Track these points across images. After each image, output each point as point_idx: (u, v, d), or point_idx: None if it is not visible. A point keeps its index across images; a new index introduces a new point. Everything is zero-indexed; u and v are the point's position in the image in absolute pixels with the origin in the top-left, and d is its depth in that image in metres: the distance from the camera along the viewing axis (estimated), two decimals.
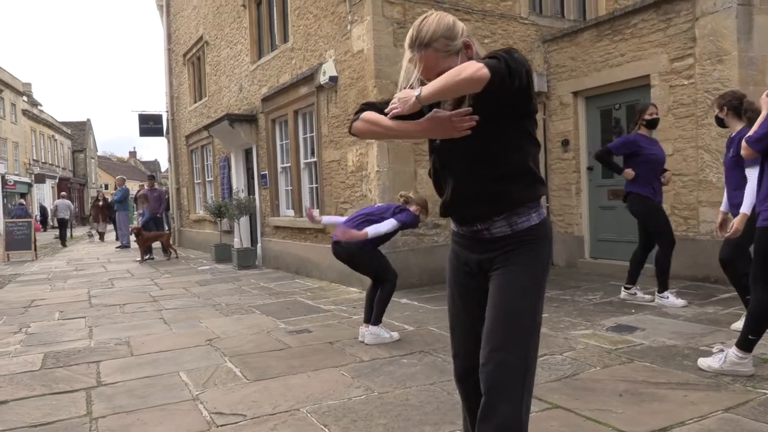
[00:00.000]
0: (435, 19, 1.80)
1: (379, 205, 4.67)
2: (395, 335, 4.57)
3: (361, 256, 4.52)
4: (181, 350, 4.54)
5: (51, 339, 5.14)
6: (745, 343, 3.31)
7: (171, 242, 13.16)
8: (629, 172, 5.31)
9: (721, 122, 4.42)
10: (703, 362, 3.49)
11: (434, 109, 1.75)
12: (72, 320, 6.01)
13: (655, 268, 5.39)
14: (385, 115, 1.79)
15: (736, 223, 3.99)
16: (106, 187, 52.17)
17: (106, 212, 20.26)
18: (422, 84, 1.79)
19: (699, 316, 4.87)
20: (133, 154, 76.84)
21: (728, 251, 4.19)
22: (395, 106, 1.69)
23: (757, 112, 3.64)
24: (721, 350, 3.48)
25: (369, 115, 1.88)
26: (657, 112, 5.43)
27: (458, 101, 1.81)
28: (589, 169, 7.85)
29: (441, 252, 6.78)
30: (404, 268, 6.36)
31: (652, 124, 5.40)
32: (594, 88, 7.65)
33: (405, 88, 1.79)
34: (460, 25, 1.83)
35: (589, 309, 5.39)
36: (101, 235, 20.65)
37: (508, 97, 1.70)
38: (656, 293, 5.41)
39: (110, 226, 20.74)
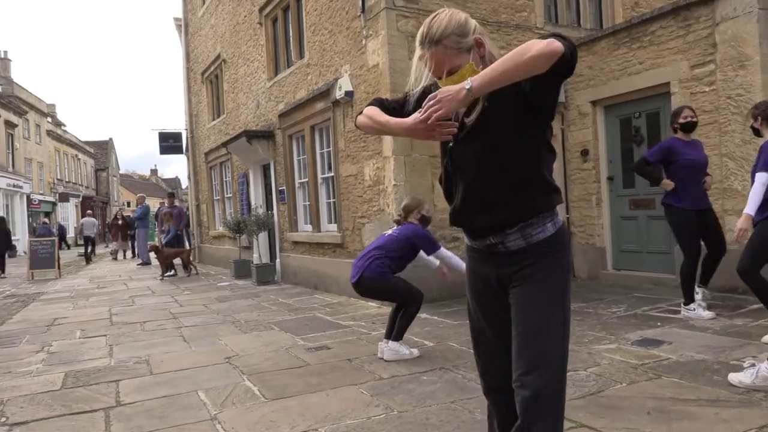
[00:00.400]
0: (446, 15, 1.76)
1: (385, 235, 4.62)
2: (415, 351, 4.50)
3: (386, 286, 4.49)
4: (199, 368, 4.52)
5: (72, 358, 5.16)
6: None
7: (191, 258, 13.25)
8: (667, 183, 5.13)
9: (757, 132, 4.32)
10: (734, 377, 3.36)
11: (421, 108, 1.72)
12: (93, 338, 6.04)
13: (680, 279, 5.26)
14: (404, 115, 1.79)
15: (740, 224, 4.13)
16: (128, 204, 52.96)
17: (126, 231, 20.31)
18: (433, 84, 1.78)
19: (728, 328, 4.72)
20: (154, 171, 78.08)
21: (745, 261, 4.12)
22: (436, 107, 1.59)
23: None
24: (753, 365, 3.35)
25: (369, 110, 1.89)
26: (693, 114, 5.22)
27: (474, 101, 1.74)
28: (610, 179, 7.73)
29: None
30: (423, 283, 6.27)
31: (687, 127, 5.17)
32: (613, 96, 7.55)
33: (416, 87, 1.78)
34: (473, 22, 1.78)
35: (613, 322, 5.26)
36: (122, 253, 20.83)
37: (548, 87, 1.65)
38: (682, 305, 5.27)
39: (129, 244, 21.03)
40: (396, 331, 4.43)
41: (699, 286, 5.27)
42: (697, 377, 3.54)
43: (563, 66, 1.57)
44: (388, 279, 4.46)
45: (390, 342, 4.44)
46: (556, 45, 1.53)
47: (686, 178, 5.07)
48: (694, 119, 5.21)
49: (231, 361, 4.69)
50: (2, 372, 4.77)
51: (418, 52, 1.78)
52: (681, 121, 5.15)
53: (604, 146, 7.80)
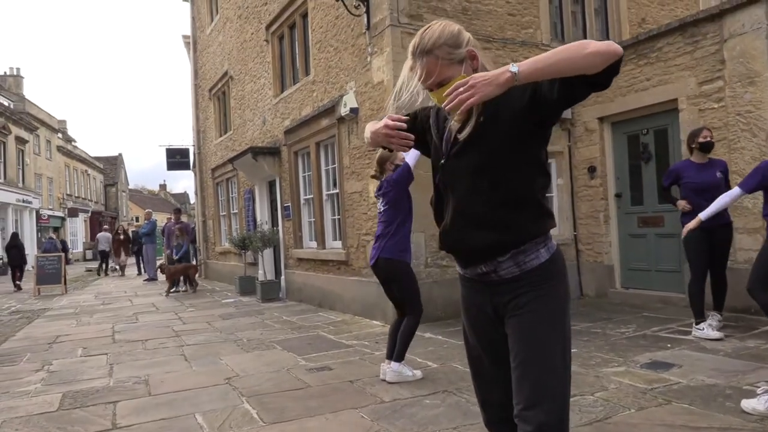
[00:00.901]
0: (439, 26, 1.73)
1: (380, 211, 4.51)
2: (418, 373, 4.40)
3: (403, 273, 4.37)
4: (199, 390, 4.44)
5: (71, 377, 5.10)
6: None
7: (198, 274, 13.23)
8: (681, 204, 5.23)
9: None
10: (747, 404, 3.25)
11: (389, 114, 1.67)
12: (94, 357, 5.98)
13: (688, 297, 5.21)
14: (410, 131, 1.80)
15: (691, 224, 4.69)
16: (137, 219, 53.18)
17: (128, 246, 19.77)
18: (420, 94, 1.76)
19: (740, 350, 4.59)
20: (163, 186, 78.53)
21: (752, 279, 4.08)
22: (467, 93, 1.51)
23: None
24: (766, 390, 3.24)
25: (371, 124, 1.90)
26: (711, 135, 5.25)
27: (468, 112, 1.70)
28: (618, 196, 7.63)
29: None
30: (428, 301, 6.19)
31: (705, 147, 5.20)
32: (620, 113, 7.49)
33: (399, 98, 1.74)
34: (467, 34, 1.75)
35: (621, 343, 5.14)
36: (122, 269, 20.08)
37: (577, 97, 1.59)
38: (694, 325, 5.18)
39: (131, 260, 20.49)
40: (397, 350, 4.33)
41: (712, 313, 5.24)
42: (709, 403, 3.43)
43: (614, 70, 1.51)
44: (408, 264, 4.38)
45: (392, 363, 4.34)
46: (616, 46, 1.48)
47: (693, 200, 5.12)
48: (712, 140, 5.25)
49: (231, 382, 4.61)
50: (1, 392, 4.72)
51: (408, 62, 1.75)
52: (701, 140, 5.18)
53: (612, 163, 7.72)
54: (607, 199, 7.71)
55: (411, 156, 4.30)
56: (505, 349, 1.75)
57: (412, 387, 4.17)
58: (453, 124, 1.80)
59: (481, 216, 1.70)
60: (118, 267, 20.61)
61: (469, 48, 1.72)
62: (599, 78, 1.51)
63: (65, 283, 14.52)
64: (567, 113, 7.93)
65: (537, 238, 1.71)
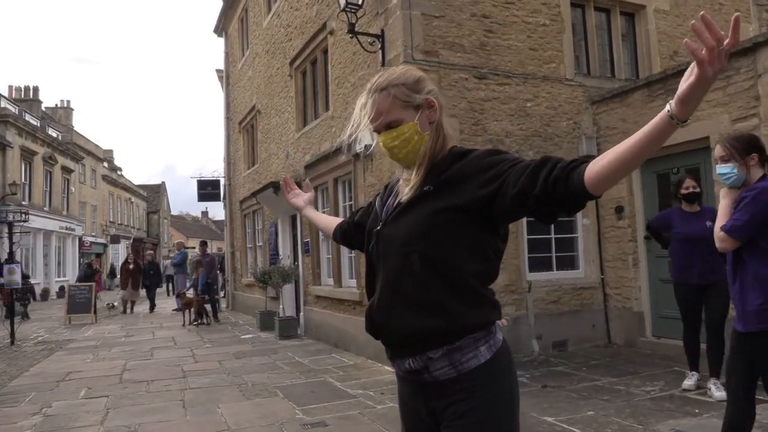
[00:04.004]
0: (401, 68, 1.64)
1: None
2: None
3: None
4: None
5: (63, 424, 4.96)
6: None
7: (218, 306, 13.23)
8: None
9: None
10: None
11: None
12: (94, 399, 5.85)
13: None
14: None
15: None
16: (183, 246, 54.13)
17: (138, 277, 16.53)
18: (396, 181, 1.66)
19: None
20: (205, 213, 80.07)
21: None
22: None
23: None
24: None
25: None
26: (695, 185, 4.97)
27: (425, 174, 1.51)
28: (647, 238, 7.17)
29: None
30: None
31: (688, 199, 4.96)
32: None
33: (353, 135, 1.59)
34: (431, 85, 1.61)
35: (644, 405, 4.70)
36: (131, 305, 16.56)
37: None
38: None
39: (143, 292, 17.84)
40: None
41: (711, 378, 4.88)
42: None
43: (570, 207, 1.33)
44: None
45: None
46: None
47: (679, 251, 4.97)
48: (695, 191, 4.97)
49: None
50: None
51: (362, 99, 1.59)
52: (683, 192, 4.99)
53: (641, 203, 7.29)
54: (636, 241, 7.26)
55: None
56: None
57: None
58: (401, 185, 1.60)
59: (411, 294, 1.46)
60: (117, 304, 17.04)
61: (429, 97, 1.56)
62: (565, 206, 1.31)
63: (95, 313, 14.69)
64: (592, 150, 7.57)
65: (475, 332, 1.44)
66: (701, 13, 1.14)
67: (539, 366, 6.52)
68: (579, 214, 7.73)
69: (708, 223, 4.74)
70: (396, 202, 1.58)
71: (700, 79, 1.14)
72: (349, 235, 1.94)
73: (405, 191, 1.54)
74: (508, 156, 1.44)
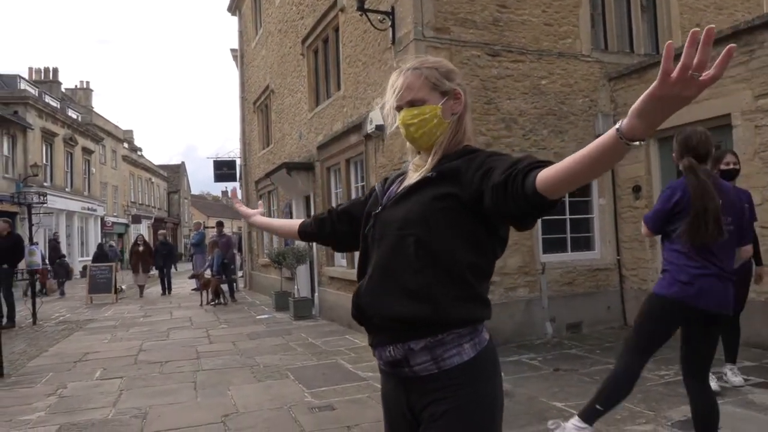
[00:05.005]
0: (436, 58, 1.65)
1: None
2: None
3: None
4: (190, 429, 4.26)
5: (77, 405, 5.04)
6: None
7: (235, 287, 13.34)
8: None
9: None
10: None
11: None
12: (109, 381, 5.94)
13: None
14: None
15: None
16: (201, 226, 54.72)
17: (149, 260, 15.79)
18: (399, 175, 1.65)
19: None
20: (225, 193, 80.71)
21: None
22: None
23: None
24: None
25: None
26: (736, 161, 4.49)
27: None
28: None
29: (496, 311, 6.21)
30: None
31: (729, 175, 4.43)
32: (667, 129, 6.80)
33: (388, 118, 1.59)
34: (462, 80, 1.59)
35: (657, 391, 4.61)
36: (140, 289, 15.83)
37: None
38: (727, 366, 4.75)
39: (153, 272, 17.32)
40: None
41: (727, 365, 4.75)
42: None
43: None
44: None
45: None
46: None
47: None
48: (737, 167, 4.47)
49: (226, 421, 4.40)
50: (4, 419, 4.70)
51: (393, 77, 1.56)
52: (722, 167, 4.35)
53: (659, 182, 7.10)
54: None
55: None
56: None
57: None
58: (411, 169, 1.58)
59: (401, 277, 1.42)
60: (125, 287, 16.64)
61: (457, 88, 1.54)
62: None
63: (116, 293, 14.90)
64: (610, 127, 7.36)
65: (461, 327, 1.39)
66: (709, 26, 0.94)
67: (552, 349, 6.45)
68: (595, 194, 7.58)
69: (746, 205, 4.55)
70: (401, 187, 1.56)
71: (653, 96, 0.98)
72: (326, 224, 1.85)
73: (413, 176, 1.52)
74: (508, 156, 1.40)
